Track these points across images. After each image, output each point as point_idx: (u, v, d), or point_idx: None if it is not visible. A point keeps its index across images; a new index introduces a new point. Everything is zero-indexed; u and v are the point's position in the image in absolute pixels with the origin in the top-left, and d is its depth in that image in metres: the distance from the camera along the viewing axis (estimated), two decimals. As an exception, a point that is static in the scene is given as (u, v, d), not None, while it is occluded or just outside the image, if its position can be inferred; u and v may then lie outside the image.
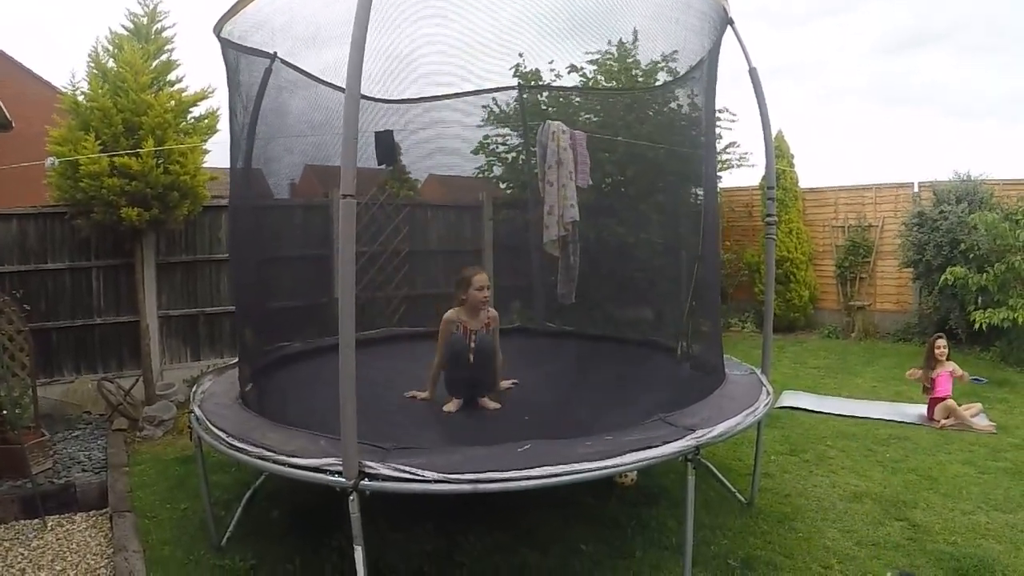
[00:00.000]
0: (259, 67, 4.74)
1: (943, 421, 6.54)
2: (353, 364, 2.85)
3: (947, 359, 6.96)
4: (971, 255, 9.44)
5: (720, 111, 10.21)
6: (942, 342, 7.02)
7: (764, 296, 5.22)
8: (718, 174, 11.26)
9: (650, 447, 3.24)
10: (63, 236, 7.49)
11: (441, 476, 2.93)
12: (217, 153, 7.88)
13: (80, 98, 7.16)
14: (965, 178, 10.60)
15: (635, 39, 6.30)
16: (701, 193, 5.64)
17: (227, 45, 4.53)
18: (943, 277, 9.21)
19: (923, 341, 10.31)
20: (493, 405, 4.50)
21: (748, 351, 7.15)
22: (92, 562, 4.27)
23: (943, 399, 6.64)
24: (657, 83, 8.06)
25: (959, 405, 6.60)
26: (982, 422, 6.55)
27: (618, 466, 3.19)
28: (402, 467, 2.96)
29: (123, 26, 7.50)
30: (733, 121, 10.88)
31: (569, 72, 8.73)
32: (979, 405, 6.88)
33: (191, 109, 7.65)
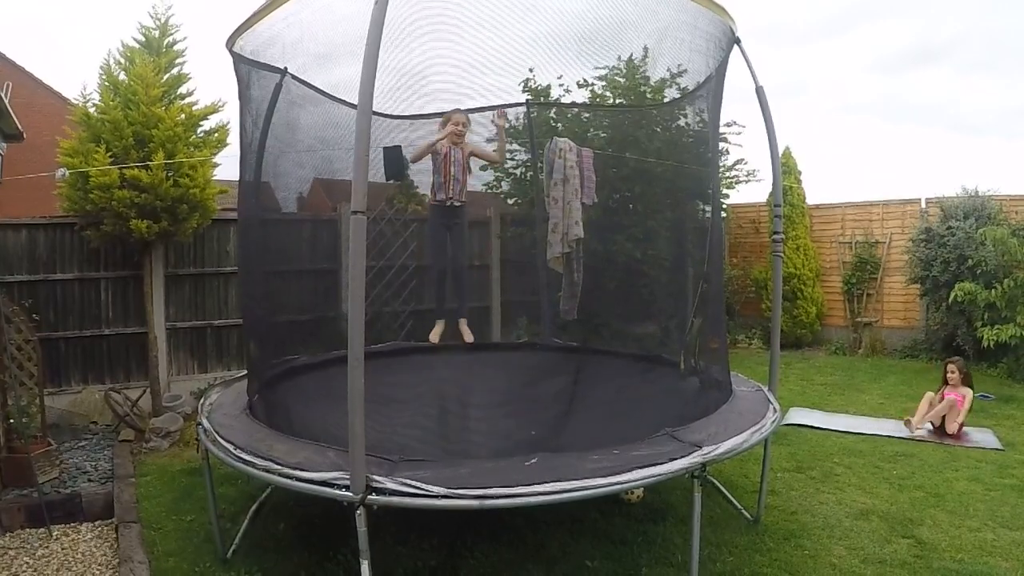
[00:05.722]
0: (270, 82, 4.78)
1: (936, 408, 6.69)
2: (362, 379, 2.86)
3: (961, 384, 6.92)
4: (979, 271, 9.40)
5: (728, 124, 10.24)
6: (952, 366, 7.00)
7: (771, 312, 5.22)
8: (725, 191, 11.29)
9: (657, 463, 3.25)
10: (72, 246, 7.54)
11: (448, 492, 2.93)
12: (227, 166, 7.94)
13: (91, 110, 7.23)
14: (973, 194, 10.56)
15: (645, 55, 6.32)
16: (708, 209, 5.66)
17: (239, 60, 4.57)
18: (953, 293, 9.17)
19: (931, 358, 10.32)
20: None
21: (755, 367, 7.15)
22: (97, 572, 4.27)
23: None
24: (664, 100, 8.09)
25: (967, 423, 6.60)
26: (975, 436, 6.55)
27: (626, 483, 3.19)
28: (409, 482, 2.96)
29: (134, 39, 7.58)
30: (739, 134, 10.90)
31: (580, 87, 8.72)
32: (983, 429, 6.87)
33: (201, 122, 7.71)
